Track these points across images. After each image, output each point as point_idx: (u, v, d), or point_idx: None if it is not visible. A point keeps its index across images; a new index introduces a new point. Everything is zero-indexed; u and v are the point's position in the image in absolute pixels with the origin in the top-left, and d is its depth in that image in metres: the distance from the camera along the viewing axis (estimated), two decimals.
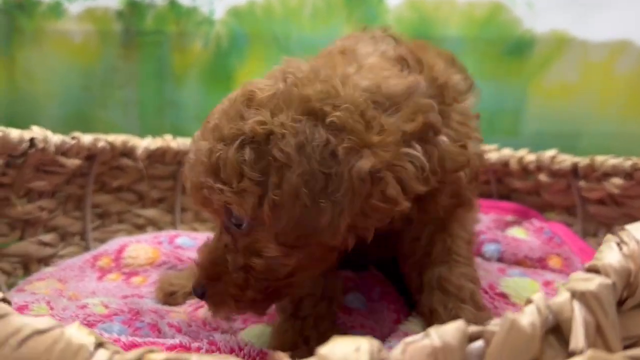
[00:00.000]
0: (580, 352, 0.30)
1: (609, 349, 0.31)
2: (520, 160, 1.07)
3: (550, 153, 1.03)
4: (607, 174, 0.93)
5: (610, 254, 0.33)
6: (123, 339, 0.53)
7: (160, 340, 0.54)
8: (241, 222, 0.54)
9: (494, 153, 1.11)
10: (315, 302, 0.69)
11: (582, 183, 0.99)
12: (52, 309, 0.67)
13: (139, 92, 1.55)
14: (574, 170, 0.99)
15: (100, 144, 1.00)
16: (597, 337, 0.31)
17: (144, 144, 1.09)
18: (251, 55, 1.49)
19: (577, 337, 0.30)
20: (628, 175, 0.89)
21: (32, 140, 0.87)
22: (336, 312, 0.72)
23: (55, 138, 0.92)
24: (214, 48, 1.50)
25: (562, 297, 0.32)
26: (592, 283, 0.32)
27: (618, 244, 0.34)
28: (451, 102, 0.62)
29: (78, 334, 0.33)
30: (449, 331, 0.30)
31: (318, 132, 0.50)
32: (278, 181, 0.50)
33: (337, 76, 0.55)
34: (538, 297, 0.32)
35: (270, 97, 0.53)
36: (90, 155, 1.01)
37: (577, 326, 0.31)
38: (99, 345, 0.33)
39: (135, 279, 0.89)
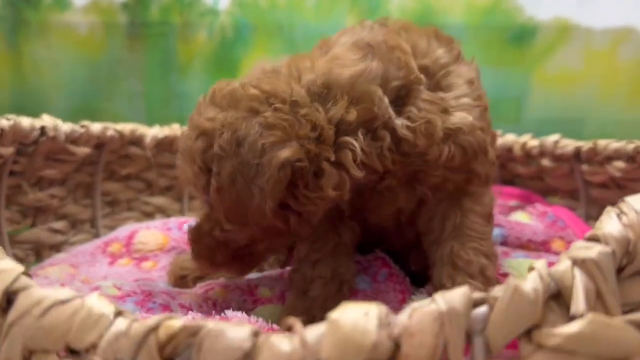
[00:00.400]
0: (581, 316, 0.31)
1: (608, 313, 0.32)
2: (524, 145, 1.08)
3: (553, 138, 1.04)
4: (610, 158, 0.94)
5: (610, 223, 0.35)
6: (137, 316, 0.54)
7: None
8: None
9: (497, 139, 1.11)
10: (325, 283, 0.71)
11: (584, 167, 1.00)
12: None
13: (144, 83, 1.56)
14: (577, 155, 1.00)
15: (109, 132, 1.02)
16: (597, 302, 0.32)
17: (152, 132, 1.11)
18: (256, 45, 1.50)
19: (578, 302, 0.32)
20: (630, 158, 0.90)
21: (42, 128, 0.88)
22: (347, 296, 0.73)
23: (65, 127, 0.93)
24: (218, 38, 1.51)
25: (564, 264, 0.33)
26: (592, 251, 0.33)
27: (618, 215, 0.35)
28: (419, 80, 0.63)
29: (98, 304, 0.34)
30: (454, 297, 0.31)
31: (253, 128, 0.57)
32: (218, 170, 0.58)
33: (290, 74, 0.61)
34: (540, 264, 0.33)
35: (224, 96, 0.60)
36: (99, 144, 1.03)
37: (577, 292, 0.32)
38: (118, 314, 0.34)
39: (146, 264, 0.91)
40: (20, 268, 0.37)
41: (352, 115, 0.58)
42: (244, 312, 0.58)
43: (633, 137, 1.33)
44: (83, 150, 0.98)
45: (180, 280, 0.83)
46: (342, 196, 0.59)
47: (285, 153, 0.55)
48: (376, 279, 0.78)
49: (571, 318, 0.32)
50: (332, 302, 0.70)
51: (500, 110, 1.40)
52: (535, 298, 0.31)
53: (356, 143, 0.58)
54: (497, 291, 0.32)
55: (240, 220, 0.60)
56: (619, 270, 0.34)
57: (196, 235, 0.67)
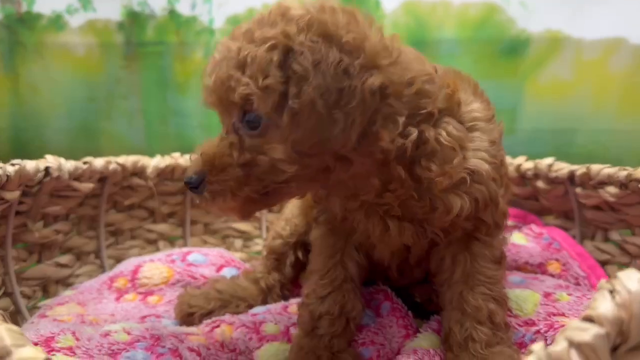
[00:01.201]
0: None
1: None
2: (518, 167, 1.10)
3: (547, 161, 1.06)
4: (603, 183, 0.95)
5: (604, 303, 0.37)
6: None
7: None
8: (257, 123, 0.59)
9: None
10: (332, 321, 0.73)
11: (578, 190, 1.02)
12: (77, 339, 0.70)
13: (142, 102, 1.57)
14: (571, 178, 1.02)
15: (112, 166, 1.03)
16: None
17: (154, 163, 1.12)
18: None
19: None
20: (623, 185, 0.92)
21: (46, 169, 0.90)
22: (354, 332, 0.75)
23: (69, 165, 0.95)
24: None
25: (561, 345, 0.35)
26: (588, 334, 0.35)
27: (611, 293, 0.37)
28: (458, 104, 0.65)
29: None
30: None
31: (332, 53, 0.55)
32: (297, 91, 0.56)
33: (367, 26, 0.60)
34: (538, 348, 0.35)
35: (297, 15, 0.58)
36: (102, 178, 1.05)
37: None
38: None
39: (152, 298, 0.93)
40: (42, 355, 0.39)
41: (411, 90, 0.60)
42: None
43: (625, 146, 1.36)
44: (87, 186, 1.00)
45: (188, 317, 0.85)
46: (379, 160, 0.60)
47: (377, 79, 0.56)
48: (379, 312, 0.80)
49: None
50: (339, 340, 0.73)
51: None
52: None
53: (400, 121, 0.59)
54: None
55: (310, 150, 0.58)
56: (614, 348, 0.36)
57: (220, 163, 0.61)
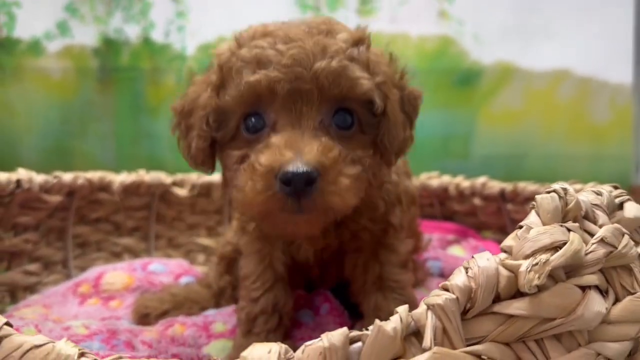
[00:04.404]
0: (429, 349, 0.42)
1: (452, 346, 0.43)
2: (457, 186, 1.19)
3: (481, 180, 1.16)
4: (529, 199, 1.05)
5: (458, 276, 0.45)
6: (101, 353, 0.64)
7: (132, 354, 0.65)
8: (349, 124, 0.63)
9: (435, 180, 1.23)
10: (267, 319, 0.80)
11: (509, 206, 1.12)
12: (39, 331, 0.77)
13: (115, 125, 1.64)
14: (502, 195, 1.12)
15: (80, 181, 1.11)
16: (445, 337, 0.43)
17: (120, 178, 1.20)
18: None
19: (427, 338, 0.42)
20: None
21: (18, 181, 0.98)
22: (288, 325, 0.83)
23: (39, 178, 1.02)
24: (186, 82, 1.60)
25: (421, 308, 0.44)
26: (441, 298, 0.44)
27: (466, 268, 0.46)
28: None
29: (65, 347, 0.44)
30: (335, 335, 0.42)
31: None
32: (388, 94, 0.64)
33: None
34: (402, 309, 0.44)
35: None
36: (71, 192, 1.12)
37: (427, 330, 0.42)
38: (82, 354, 0.44)
39: (113, 303, 1.00)
40: (3, 319, 0.47)
41: None
42: (197, 349, 0.67)
43: (572, 169, 1.46)
44: (56, 199, 1.08)
45: (144, 318, 0.92)
46: None
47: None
48: (318, 312, 0.88)
49: (423, 350, 0.42)
50: (275, 334, 0.80)
51: (450, 147, 1.53)
52: (394, 335, 0.42)
53: None
54: (369, 331, 0.42)
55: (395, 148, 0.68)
56: (465, 312, 0.45)
57: (331, 165, 0.58)
